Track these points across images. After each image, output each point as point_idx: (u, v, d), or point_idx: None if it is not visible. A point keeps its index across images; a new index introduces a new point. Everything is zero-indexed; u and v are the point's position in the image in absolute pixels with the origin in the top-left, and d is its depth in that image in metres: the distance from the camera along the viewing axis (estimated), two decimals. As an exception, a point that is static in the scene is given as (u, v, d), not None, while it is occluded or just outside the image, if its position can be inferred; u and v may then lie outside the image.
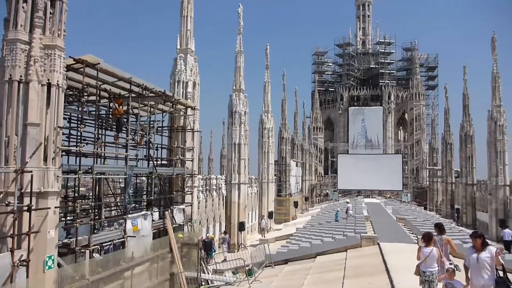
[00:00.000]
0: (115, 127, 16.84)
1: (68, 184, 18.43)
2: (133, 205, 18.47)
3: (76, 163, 13.82)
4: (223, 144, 66.17)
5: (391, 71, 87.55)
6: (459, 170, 49.24)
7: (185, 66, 22.49)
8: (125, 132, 16.37)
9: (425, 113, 78.43)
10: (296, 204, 49.79)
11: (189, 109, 21.65)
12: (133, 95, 16.31)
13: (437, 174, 59.53)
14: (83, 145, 14.68)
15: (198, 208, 25.09)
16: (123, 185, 18.25)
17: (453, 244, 11.06)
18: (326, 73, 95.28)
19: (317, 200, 70.46)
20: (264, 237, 32.09)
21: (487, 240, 8.38)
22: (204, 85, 31.39)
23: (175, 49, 23.03)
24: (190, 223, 21.03)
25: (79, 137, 15.89)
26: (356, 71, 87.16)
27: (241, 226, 30.98)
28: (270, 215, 41.17)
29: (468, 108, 46.47)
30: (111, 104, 16.60)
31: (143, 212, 16.45)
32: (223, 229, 30.55)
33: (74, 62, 12.83)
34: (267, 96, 43.27)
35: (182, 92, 22.27)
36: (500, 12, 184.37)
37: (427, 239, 9.69)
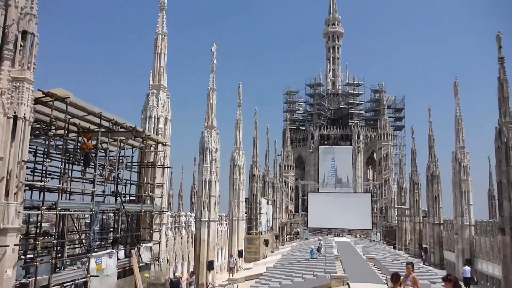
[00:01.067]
0: (82, 161, 16.48)
1: (31, 220, 17.69)
2: (98, 242, 17.83)
3: (40, 198, 13.33)
4: (194, 181, 65.53)
5: (360, 112, 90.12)
6: (426, 209, 50.15)
7: (157, 102, 22.46)
8: (93, 167, 16.02)
9: (393, 153, 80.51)
10: (266, 243, 49.22)
11: (160, 145, 21.48)
12: (102, 129, 16.10)
13: (405, 213, 60.37)
14: (48, 180, 14.21)
15: (166, 246, 24.44)
16: (88, 221, 17.66)
17: (419, 285, 11.12)
18: (298, 112, 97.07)
19: (287, 239, 69.92)
20: (233, 276, 31.34)
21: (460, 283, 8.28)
22: (176, 121, 31.31)
23: (147, 84, 23.07)
24: (157, 262, 20.42)
25: (44, 172, 15.42)
26: (326, 110, 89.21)
27: (210, 265, 30.23)
28: (240, 253, 40.44)
29: (434, 149, 47.86)
30: (80, 138, 16.30)
31: (108, 250, 15.89)
32: (191, 268, 29.73)
33: (43, 95, 12.63)
34: (239, 134, 43.49)
35: (154, 127, 22.13)
36: (461, 59, 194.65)
37: (395, 279, 9.73)
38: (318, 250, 31.84)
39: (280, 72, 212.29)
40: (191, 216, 31.72)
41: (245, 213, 46.61)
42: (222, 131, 34.90)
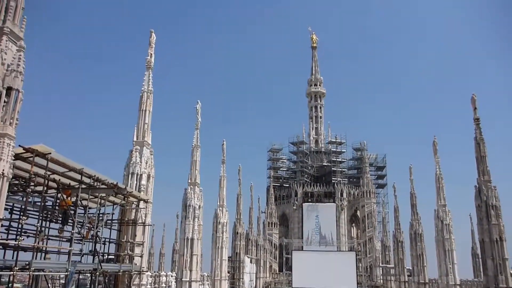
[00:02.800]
0: (60, 219, 16.08)
1: (2, 280, 16.86)
2: (72, 305, 16.99)
3: (13, 257, 12.82)
4: (176, 238, 63.94)
5: (343, 169, 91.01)
6: (411, 268, 49.49)
7: (140, 159, 22.43)
8: (71, 224, 15.62)
9: (376, 211, 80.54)
10: (249, 304, 47.52)
11: (141, 202, 21.18)
12: (83, 186, 15.88)
13: (390, 272, 59.43)
14: (23, 239, 13.76)
15: (144, 309, 23.37)
16: (64, 282, 16.92)
17: None
18: (281, 169, 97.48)
19: (271, 300, 67.61)
20: None
21: None
22: (159, 178, 31.09)
23: (131, 141, 23.12)
24: (134, 326, 19.45)
25: (19, 229, 14.95)
26: (309, 168, 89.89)
27: (191, 329, 28.89)
28: (221, 316, 38.86)
29: (416, 207, 48.11)
30: (59, 195, 16.01)
31: (82, 314, 15.12)
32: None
33: (24, 151, 12.55)
34: (223, 191, 43.22)
35: (136, 184, 21.92)
36: (440, 119, 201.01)
37: None
38: None
39: (264, 130, 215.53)
40: (171, 276, 30.71)
41: (228, 272, 45.28)
42: (205, 188, 34.72)
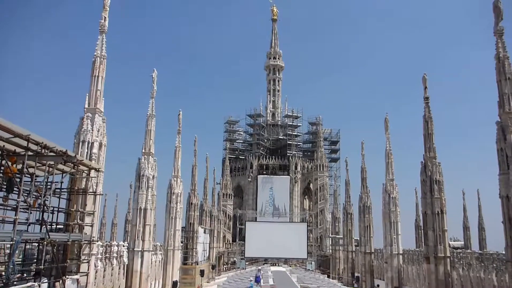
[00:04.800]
0: (5, 187, 15.39)
1: None
2: (19, 275, 16.54)
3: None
4: (129, 209, 63.19)
5: (298, 143, 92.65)
6: (358, 239, 51.73)
7: (92, 126, 21.70)
8: (16, 193, 15.02)
9: (328, 184, 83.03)
10: (202, 273, 48.07)
11: (92, 171, 20.63)
12: (30, 153, 15.22)
13: (339, 242, 61.88)
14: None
15: (95, 278, 23.16)
16: (9, 252, 16.38)
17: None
18: (237, 141, 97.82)
19: (224, 269, 68.83)
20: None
21: None
22: (112, 147, 30.26)
23: (82, 108, 22.27)
24: (84, 295, 19.25)
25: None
26: (265, 141, 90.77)
27: (142, 298, 28.99)
28: (174, 284, 39.16)
29: (366, 181, 49.95)
30: (4, 162, 15.29)
31: (29, 284, 14.80)
32: (121, 301, 28.30)
33: (-36, 115, 11.82)
34: (177, 161, 42.81)
35: (87, 152, 21.26)
36: (391, 97, 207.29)
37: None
38: (257, 280, 31.75)
39: (222, 102, 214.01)
40: (123, 246, 30.41)
41: (181, 242, 45.46)
42: (160, 158, 34.27)
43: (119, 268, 28.68)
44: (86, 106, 22.15)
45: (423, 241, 31.58)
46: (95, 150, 21.49)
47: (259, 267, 48.44)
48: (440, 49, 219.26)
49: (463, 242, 58.75)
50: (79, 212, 19.66)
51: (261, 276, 31.70)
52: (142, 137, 32.90)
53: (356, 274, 50.14)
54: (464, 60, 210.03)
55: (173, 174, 42.20)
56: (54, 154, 16.63)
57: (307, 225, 69.66)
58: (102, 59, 22.96)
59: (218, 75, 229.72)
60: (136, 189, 32.10)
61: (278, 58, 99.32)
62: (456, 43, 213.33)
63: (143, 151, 32.32)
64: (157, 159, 33.18)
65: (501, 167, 20.60)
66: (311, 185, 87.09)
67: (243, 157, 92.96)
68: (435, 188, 29.34)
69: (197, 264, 49.06)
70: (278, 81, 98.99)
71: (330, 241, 68.70)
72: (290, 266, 65.60)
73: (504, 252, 20.69)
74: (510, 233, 19.74)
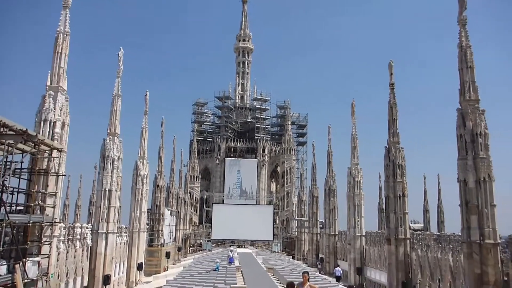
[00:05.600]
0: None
1: None
2: (-24, 257, 16.00)
3: None
4: (93, 190, 62.09)
5: (266, 126, 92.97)
6: (323, 221, 52.85)
7: (54, 105, 20.99)
8: (-27, 172, 14.44)
9: (295, 167, 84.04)
10: (168, 255, 48.09)
11: (54, 151, 20.02)
12: (-13, 132, 14.62)
13: (304, 224, 63.05)
14: None
15: (58, 261, 22.72)
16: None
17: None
18: (206, 123, 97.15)
19: (190, 250, 69.01)
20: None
21: None
22: (76, 127, 29.42)
23: (44, 86, 21.47)
24: (45, 277, 18.86)
25: None
26: (234, 123, 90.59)
27: (106, 280, 28.69)
28: (139, 266, 39.00)
29: (332, 165, 50.87)
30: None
31: (-13, 266, 14.33)
32: (85, 283, 27.95)
33: None
34: (144, 142, 42.26)
35: (49, 132, 20.60)
36: (358, 82, 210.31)
37: (290, 288, 10.10)
38: (230, 261, 32.22)
39: (190, 83, 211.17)
40: (87, 228, 29.93)
41: (147, 224, 45.16)
42: (126, 139, 33.67)
43: (83, 250, 28.26)
44: (48, 84, 21.38)
45: (385, 223, 32.58)
46: (57, 130, 20.85)
47: (231, 248, 49.14)
48: (406, 36, 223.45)
49: (422, 225, 61.00)
50: (40, 193, 19.11)
51: (233, 257, 32.35)
52: (108, 118, 32.21)
53: (320, 256, 51.37)
54: (430, 48, 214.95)
55: (139, 155, 41.65)
56: (14, 133, 16.03)
57: (274, 208, 70.51)
58: (65, 35, 22.12)
59: (187, 57, 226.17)
60: (100, 170, 31.50)
61: (248, 41, 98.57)
62: (422, 31, 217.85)
63: (108, 131, 31.65)
64: (123, 140, 32.63)
65: (460, 153, 21.42)
66: (278, 168, 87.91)
67: (211, 140, 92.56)
68: (397, 172, 30.23)
69: (163, 246, 48.96)
70: (247, 63, 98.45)
71: (296, 223, 69.92)
72: (256, 248, 66.45)
73: (460, 234, 21.66)
74: (466, 215, 20.67)
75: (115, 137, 31.57)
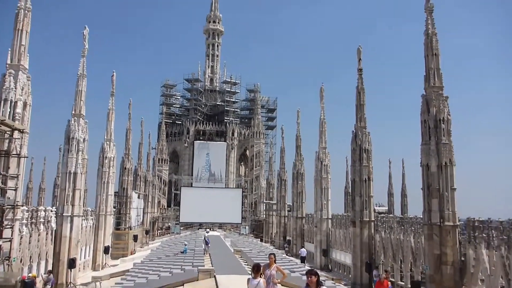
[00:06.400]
0: None
1: None
2: None
3: None
4: (58, 173, 60.56)
5: (236, 110, 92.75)
6: (291, 204, 53.60)
7: (15, 84, 20.20)
8: None
9: (264, 151, 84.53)
10: (135, 238, 47.72)
11: (16, 132, 19.34)
12: None
13: (272, 208, 63.75)
14: None
15: (20, 244, 22.15)
16: None
17: (283, 271, 11.95)
18: (174, 105, 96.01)
19: (158, 234, 68.71)
20: (98, 274, 29.73)
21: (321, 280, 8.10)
22: (39, 107, 28.45)
23: (4, 64, 20.61)
24: (7, 261, 18.40)
25: None
26: (203, 106, 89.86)
27: (72, 263, 28.21)
28: (106, 250, 38.54)
29: (300, 149, 51.41)
30: None
31: None
32: (50, 267, 27.39)
33: None
34: (110, 124, 41.35)
35: (10, 112, 19.86)
36: (328, 68, 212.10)
37: (256, 270, 10.23)
38: (207, 243, 32.54)
39: (159, 65, 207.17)
40: (51, 211, 29.21)
41: (114, 207, 44.55)
42: (92, 121, 32.84)
43: (47, 233, 27.60)
44: (9, 62, 20.53)
45: (351, 206, 33.34)
46: (18, 110, 20.13)
47: (207, 229, 49.59)
48: (374, 22, 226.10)
49: (387, 208, 62.98)
50: (1, 175, 18.50)
51: (208, 239, 33.06)
52: (73, 99, 31.24)
53: (287, 238, 52.18)
54: (398, 34, 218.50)
55: (105, 137, 40.80)
56: (-29, 113, 15.37)
57: (242, 191, 70.83)
58: (26, 11, 21.22)
59: (156, 37, 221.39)
60: (65, 153, 30.62)
61: (218, 22, 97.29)
62: (389, 15, 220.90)
63: (73, 112, 30.72)
64: (89, 122, 31.80)
65: (423, 138, 22.04)
66: (247, 152, 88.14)
67: (180, 122, 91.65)
68: (364, 156, 30.84)
69: (131, 229, 48.52)
70: (217, 46, 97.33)
71: (264, 206, 70.60)
72: (225, 230, 66.84)
73: (422, 216, 22.46)
74: (428, 199, 21.40)
75: (80, 119, 30.71)
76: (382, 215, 35.33)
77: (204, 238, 33.89)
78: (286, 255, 43.17)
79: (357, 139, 31.37)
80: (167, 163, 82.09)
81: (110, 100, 41.39)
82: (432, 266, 20.67)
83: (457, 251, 20.42)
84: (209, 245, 32.35)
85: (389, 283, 21.43)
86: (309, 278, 7.82)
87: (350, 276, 31.66)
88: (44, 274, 25.30)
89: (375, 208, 41.01)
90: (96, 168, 40.33)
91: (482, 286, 18.92)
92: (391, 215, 36.61)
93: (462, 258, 20.39)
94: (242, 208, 66.47)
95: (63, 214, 28.87)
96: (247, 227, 63.46)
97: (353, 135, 31.92)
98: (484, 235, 19.04)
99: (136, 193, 54.31)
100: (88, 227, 35.81)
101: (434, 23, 22.86)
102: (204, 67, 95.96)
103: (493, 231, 18.54)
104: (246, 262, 26.41)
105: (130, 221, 49.49)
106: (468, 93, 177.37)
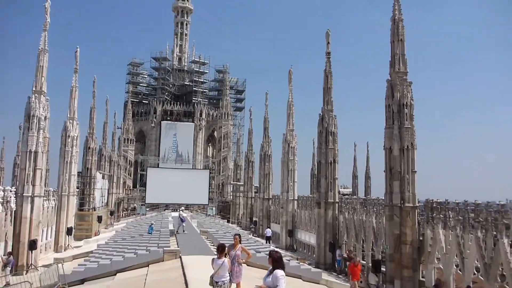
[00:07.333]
0: None
1: None
2: None
3: None
4: (18, 152, 58.54)
5: (204, 90, 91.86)
6: (258, 185, 54.00)
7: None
8: None
9: (232, 132, 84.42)
10: (100, 219, 46.98)
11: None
12: None
13: (239, 189, 64.07)
14: None
15: (-23, 225, 21.40)
16: None
17: (248, 251, 12.08)
18: (141, 84, 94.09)
19: (124, 215, 67.98)
20: (60, 256, 29.18)
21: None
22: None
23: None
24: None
25: None
26: (171, 86, 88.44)
27: (32, 245, 27.54)
28: (69, 231, 37.81)
29: (268, 130, 51.61)
30: None
31: None
32: (9, 248, 26.64)
33: None
34: (74, 102, 40.09)
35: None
36: (295, 51, 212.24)
37: (221, 250, 10.31)
38: (182, 220, 32.79)
39: (125, 41, 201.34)
40: (11, 191, 28.28)
41: (77, 188, 43.59)
42: (54, 99, 31.69)
43: (6, 214, 26.77)
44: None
45: (316, 188, 33.89)
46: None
47: (181, 208, 49.63)
48: (343, 7, 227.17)
49: (351, 189, 64.47)
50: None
51: (183, 216, 33.65)
52: (33, 75, 30.01)
53: (254, 219, 52.71)
54: (367, 17, 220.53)
55: (68, 115, 39.62)
56: None
57: (210, 172, 70.70)
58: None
59: (123, 12, 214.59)
60: (25, 131, 29.57)
61: (187, 0, 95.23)
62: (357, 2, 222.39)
63: (34, 89, 29.57)
64: (51, 100, 30.73)
65: (387, 122, 22.54)
66: (215, 133, 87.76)
67: (147, 102, 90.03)
68: (330, 139, 31.29)
69: (95, 210, 47.73)
70: (186, 24, 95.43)
71: (232, 187, 70.86)
72: (192, 211, 66.82)
73: (384, 198, 23.13)
74: (390, 181, 22.03)
75: (42, 96, 29.61)
76: (346, 196, 36.16)
77: (179, 216, 34.15)
78: (252, 235, 43.67)
79: (324, 122, 31.73)
80: (133, 143, 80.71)
81: (74, 77, 40.09)
82: (392, 245, 21.42)
83: (415, 231, 21.20)
84: (184, 223, 32.65)
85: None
86: (268, 259, 8.02)
87: (314, 255, 32.40)
88: (4, 255, 24.63)
89: (340, 190, 41.94)
90: (59, 147, 39.25)
91: (438, 264, 19.80)
92: (355, 197, 37.52)
93: (421, 238, 21.20)
94: (209, 189, 66.47)
95: (23, 194, 28.04)
96: (214, 208, 63.64)
97: (320, 118, 32.25)
98: (441, 216, 19.82)
99: (100, 173, 53.31)
100: (49, 208, 34.94)
101: (401, 9, 23.16)
102: (173, 46, 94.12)
103: (449, 212, 19.32)
104: (212, 243, 26.54)
105: (94, 202, 48.65)
106: (432, 78, 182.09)
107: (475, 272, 17.51)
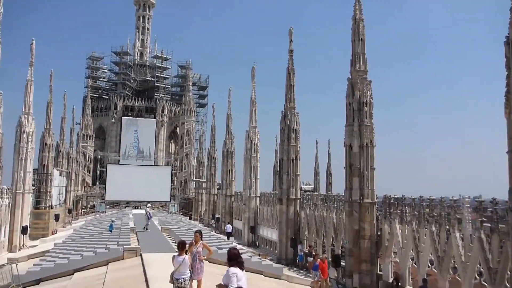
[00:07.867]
0: None
1: None
2: None
3: None
4: (-31, 148, 55.71)
5: (166, 86, 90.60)
6: (221, 182, 53.91)
7: None
8: None
9: (195, 129, 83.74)
10: (57, 217, 45.48)
11: None
12: None
13: (202, 186, 63.75)
14: None
15: None
16: None
17: (209, 247, 12.09)
18: (101, 79, 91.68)
19: (82, 213, 66.12)
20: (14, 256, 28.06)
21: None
22: None
23: None
24: None
25: None
26: (132, 81, 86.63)
27: (-16, 245, 26.42)
28: (24, 230, 36.41)
29: (231, 127, 51.58)
30: None
31: None
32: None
33: None
34: (29, 96, 38.55)
35: None
36: (260, 48, 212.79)
37: (181, 247, 10.27)
38: (149, 217, 32.38)
39: (84, 34, 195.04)
40: (-40, 189, 26.97)
41: (33, 185, 42.02)
42: (8, 93, 30.38)
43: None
44: None
45: (278, 184, 34.22)
46: None
47: (148, 205, 48.74)
48: (306, 4, 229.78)
49: (313, 186, 65.48)
50: None
51: (150, 214, 33.23)
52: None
53: (216, 216, 52.61)
54: (329, 16, 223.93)
55: (23, 110, 38.12)
56: None
57: (172, 169, 69.95)
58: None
59: (82, 4, 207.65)
60: (-24, 126, 28.26)
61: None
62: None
63: (-15, 82, 28.28)
64: (5, 94, 29.51)
65: (347, 119, 23.06)
66: (177, 129, 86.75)
67: (107, 97, 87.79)
68: (292, 136, 31.67)
69: (52, 208, 46.23)
70: (148, 18, 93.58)
71: (194, 184, 70.37)
72: (153, 209, 65.80)
73: (344, 194, 23.67)
74: (350, 177, 22.57)
75: (-6, 90, 28.36)
76: (307, 193, 36.76)
77: (146, 214, 33.81)
78: (214, 232, 43.60)
79: (286, 119, 32.07)
80: (92, 139, 78.49)
81: (29, 70, 38.58)
82: (351, 240, 21.98)
83: (374, 226, 21.85)
84: (151, 219, 32.46)
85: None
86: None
87: (276, 251, 32.74)
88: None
89: (302, 186, 42.58)
90: (13, 143, 37.71)
91: (395, 257, 20.50)
92: (316, 193, 38.18)
93: (379, 233, 21.87)
94: (171, 186, 65.75)
95: (-26, 192, 26.79)
96: (176, 205, 63.04)
97: (282, 115, 32.56)
98: (398, 211, 20.52)
99: (57, 170, 51.64)
100: (3, 206, 33.57)
101: (361, 9, 23.68)
102: (134, 40, 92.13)
103: (406, 207, 20.04)
104: (174, 240, 26.30)
105: (51, 199, 47.08)
106: (393, 78, 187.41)
107: (429, 265, 18.26)
